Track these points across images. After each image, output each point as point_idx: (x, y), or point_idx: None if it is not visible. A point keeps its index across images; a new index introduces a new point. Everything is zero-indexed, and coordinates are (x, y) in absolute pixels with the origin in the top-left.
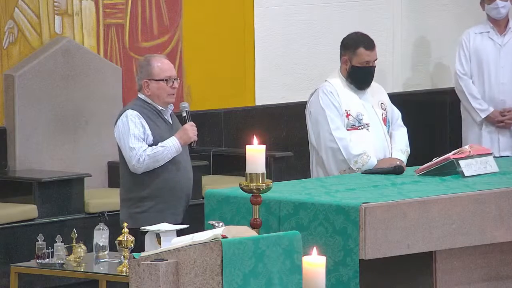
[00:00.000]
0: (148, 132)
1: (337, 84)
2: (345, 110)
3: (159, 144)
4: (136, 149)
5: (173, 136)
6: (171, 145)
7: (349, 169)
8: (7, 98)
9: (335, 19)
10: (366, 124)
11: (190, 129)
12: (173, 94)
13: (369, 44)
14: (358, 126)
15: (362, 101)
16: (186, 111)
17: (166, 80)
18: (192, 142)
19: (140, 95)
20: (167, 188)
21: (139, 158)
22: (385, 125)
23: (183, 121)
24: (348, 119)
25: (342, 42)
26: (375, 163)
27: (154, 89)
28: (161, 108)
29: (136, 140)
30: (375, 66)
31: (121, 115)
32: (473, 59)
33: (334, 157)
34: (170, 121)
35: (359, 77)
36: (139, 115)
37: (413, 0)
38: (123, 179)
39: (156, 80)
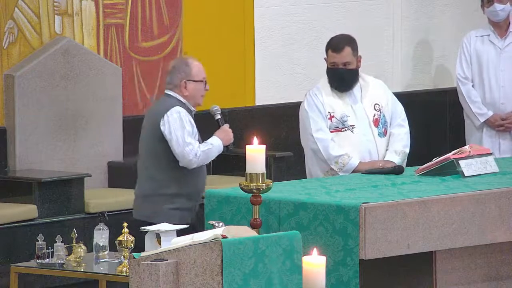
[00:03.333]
0: (196, 130)
1: (324, 86)
2: (328, 112)
3: (208, 141)
4: (192, 144)
5: (215, 136)
6: (217, 145)
7: (331, 169)
8: (7, 98)
9: (335, 19)
10: (351, 125)
11: (230, 131)
12: (203, 96)
13: (335, 46)
14: (342, 128)
15: (351, 102)
16: (219, 113)
17: (204, 81)
18: (229, 144)
19: (172, 93)
20: (200, 188)
21: (196, 153)
22: (376, 126)
23: (217, 124)
24: (331, 121)
25: None
26: (356, 164)
27: (191, 89)
28: (192, 108)
29: (190, 136)
30: (347, 69)
31: (167, 111)
32: (474, 62)
33: (316, 159)
34: None
35: (330, 78)
36: (187, 112)
37: (413, 0)
38: (157, 174)
39: (195, 81)
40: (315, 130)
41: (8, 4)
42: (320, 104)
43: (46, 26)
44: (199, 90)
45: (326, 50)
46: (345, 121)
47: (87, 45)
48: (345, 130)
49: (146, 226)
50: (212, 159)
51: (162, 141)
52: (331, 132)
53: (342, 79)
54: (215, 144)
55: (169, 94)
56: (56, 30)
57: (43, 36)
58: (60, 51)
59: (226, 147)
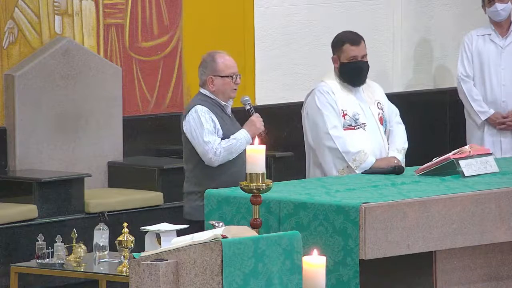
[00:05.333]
0: (218, 126)
1: (333, 84)
2: (342, 110)
3: (231, 136)
4: (211, 143)
5: (242, 129)
6: (242, 137)
7: (347, 167)
8: (7, 98)
9: (335, 19)
10: (363, 123)
11: (257, 121)
12: (236, 90)
13: (354, 39)
14: (355, 126)
15: (359, 101)
16: (249, 103)
17: (231, 76)
18: (260, 132)
19: (203, 91)
20: (234, 182)
21: (216, 151)
22: (382, 124)
23: (246, 114)
24: (344, 118)
25: (331, 43)
26: (373, 161)
27: (219, 85)
28: (224, 103)
29: (210, 134)
30: (365, 62)
31: (189, 110)
32: (475, 61)
33: (332, 156)
34: (231, 116)
35: (349, 73)
36: (209, 110)
37: (413, 0)
38: (191, 173)
39: (221, 76)
40: (331, 128)
41: (8, 4)
42: (333, 102)
43: (46, 26)
44: (227, 85)
45: (340, 46)
46: (357, 119)
47: (87, 45)
48: (358, 128)
49: (188, 223)
50: (239, 152)
51: (187, 141)
52: (344, 129)
53: (361, 71)
54: (239, 138)
55: (200, 92)
56: (56, 30)
57: (43, 36)
58: (60, 51)
59: (259, 136)
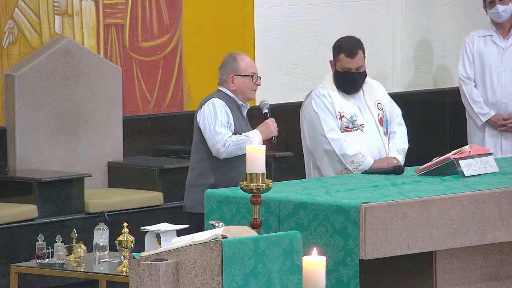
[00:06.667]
0: (231, 121)
1: (330, 87)
2: (339, 112)
3: (243, 134)
4: (222, 134)
5: (255, 129)
6: (253, 137)
7: (345, 169)
8: (7, 98)
9: (335, 19)
10: (361, 125)
11: (272, 125)
12: (255, 91)
13: (349, 51)
14: (352, 128)
15: (357, 102)
16: (267, 107)
17: (251, 76)
18: (272, 137)
19: (222, 89)
20: (241, 179)
21: (225, 143)
22: (382, 125)
23: (263, 117)
24: (341, 121)
25: (332, 46)
26: (372, 163)
27: (239, 84)
28: (241, 103)
29: (222, 126)
30: (360, 72)
31: (205, 102)
32: (476, 62)
33: (330, 159)
34: (245, 118)
35: (341, 82)
36: (225, 104)
37: (413, 0)
38: (198, 164)
39: (242, 76)
40: (328, 131)
41: (8, 4)
42: (329, 105)
43: (46, 26)
44: (247, 84)
45: (337, 54)
46: (355, 120)
47: (87, 45)
48: (355, 130)
49: (190, 216)
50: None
51: (200, 132)
52: (341, 132)
53: (355, 82)
54: (251, 136)
55: (219, 89)
56: (56, 30)
57: (43, 36)
58: (60, 51)
59: (270, 140)
